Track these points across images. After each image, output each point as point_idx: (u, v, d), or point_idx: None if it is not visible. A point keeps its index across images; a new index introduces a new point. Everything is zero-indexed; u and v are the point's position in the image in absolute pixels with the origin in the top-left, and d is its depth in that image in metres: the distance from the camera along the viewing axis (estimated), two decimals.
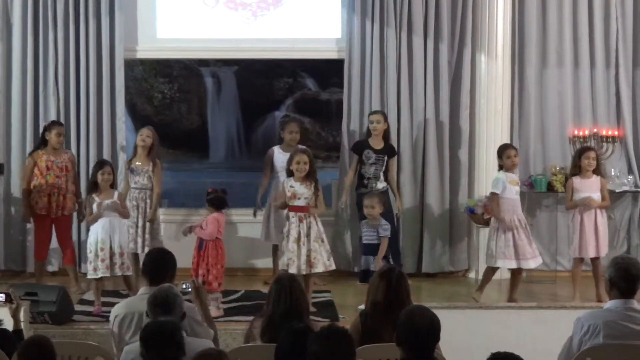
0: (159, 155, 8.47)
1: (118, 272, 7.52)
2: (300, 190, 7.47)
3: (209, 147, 15.94)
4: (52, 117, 8.92)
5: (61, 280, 8.31)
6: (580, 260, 8.01)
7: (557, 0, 9.22)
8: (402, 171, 9.11)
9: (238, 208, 9.34)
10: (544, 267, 9.09)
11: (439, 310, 4.32)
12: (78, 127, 9.07)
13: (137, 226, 8.09)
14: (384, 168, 8.69)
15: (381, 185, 8.66)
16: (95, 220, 7.56)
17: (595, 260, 7.96)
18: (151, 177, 8.27)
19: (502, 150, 7.94)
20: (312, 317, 5.48)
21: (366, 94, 9.17)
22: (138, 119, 14.06)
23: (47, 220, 8.24)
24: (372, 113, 8.81)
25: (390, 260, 8.18)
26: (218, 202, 7.52)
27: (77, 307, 7.50)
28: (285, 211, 7.57)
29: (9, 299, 5.43)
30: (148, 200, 8.24)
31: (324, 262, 7.50)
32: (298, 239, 7.42)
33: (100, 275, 7.47)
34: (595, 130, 9.21)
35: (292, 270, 7.24)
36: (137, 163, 8.30)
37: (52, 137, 8.21)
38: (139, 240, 8.10)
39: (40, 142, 8.32)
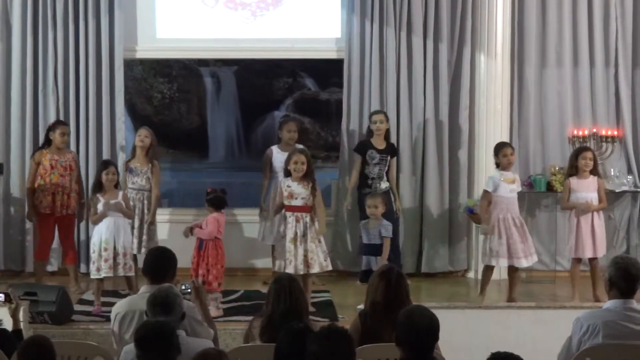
0: (157, 155, 8.48)
1: (121, 273, 7.52)
2: (297, 190, 7.47)
3: (208, 147, 15.91)
4: (52, 116, 8.93)
5: (61, 280, 8.30)
6: (578, 260, 8.01)
7: (557, 0, 9.22)
8: (402, 171, 9.10)
9: (238, 208, 9.35)
10: (544, 267, 9.11)
11: (439, 310, 4.32)
12: (77, 127, 9.06)
13: (133, 227, 8.07)
14: (386, 168, 8.69)
15: (384, 185, 8.66)
16: (99, 220, 7.56)
17: (592, 261, 7.96)
18: (150, 178, 8.28)
19: (499, 149, 7.95)
20: (311, 317, 5.48)
21: (366, 93, 9.17)
22: (137, 119, 14.04)
23: (50, 219, 8.24)
24: (374, 113, 8.79)
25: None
26: (217, 202, 7.52)
27: (77, 307, 7.50)
28: (282, 211, 7.57)
29: (8, 299, 5.43)
30: (145, 202, 8.24)
31: (320, 262, 7.50)
32: (295, 239, 7.42)
33: (103, 275, 7.47)
34: (594, 130, 9.22)
35: (289, 270, 7.24)
36: (136, 164, 8.30)
37: (56, 136, 8.21)
38: (135, 241, 8.08)
39: (45, 142, 8.33)
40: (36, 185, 8.19)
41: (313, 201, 7.49)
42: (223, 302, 7.60)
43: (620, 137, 9.28)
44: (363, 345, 4.63)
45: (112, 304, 5.59)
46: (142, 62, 13.75)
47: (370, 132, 8.75)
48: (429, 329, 4.08)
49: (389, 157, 8.70)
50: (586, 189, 7.92)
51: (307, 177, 7.50)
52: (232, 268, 8.38)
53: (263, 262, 9.14)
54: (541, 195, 9.20)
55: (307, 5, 9.42)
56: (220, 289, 7.47)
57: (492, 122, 9.10)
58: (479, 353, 4.13)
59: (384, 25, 9.08)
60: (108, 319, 5.35)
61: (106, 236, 7.47)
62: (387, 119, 8.76)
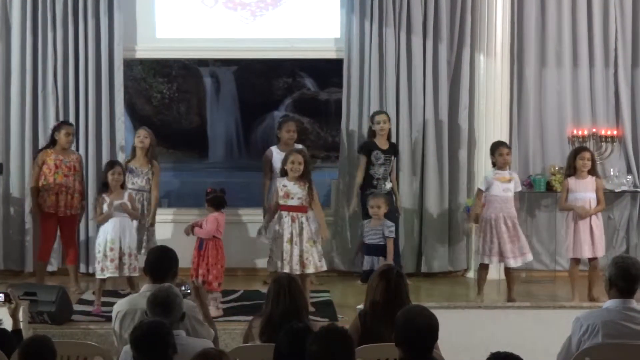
0: (156, 155, 8.48)
1: (126, 273, 7.52)
2: (293, 190, 7.46)
3: (208, 147, 15.94)
4: (51, 117, 8.93)
5: (60, 280, 8.31)
6: (576, 260, 7.99)
7: (556, 0, 9.22)
8: (402, 171, 9.10)
9: (238, 208, 9.35)
10: (543, 267, 9.12)
11: (438, 310, 4.32)
12: (77, 127, 9.04)
13: None
14: (390, 168, 8.69)
15: (389, 185, 8.64)
16: (105, 220, 7.55)
17: (592, 261, 7.95)
18: (149, 179, 8.28)
19: (495, 148, 7.97)
20: (311, 317, 5.48)
21: (365, 93, 9.16)
22: (137, 119, 14.06)
23: (53, 218, 8.24)
24: (377, 113, 8.76)
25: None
26: (217, 202, 7.52)
27: (76, 307, 7.50)
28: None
29: (8, 299, 5.43)
30: (145, 202, 8.24)
31: (315, 263, 7.49)
32: (291, 239, 7.42)
33: (107, 275, 7.47)
34: (594, 130, 9.22)
35: (285, 270, 7.23)
36: (136, 164, 8.30)
37: (61, 137, 8.21)
38: None
39: (50, 142, 8.33)
40: (40, 184, 8.20)
41: (310, 203, 7.48)
42: (223, 302, 7.60)
43: (619, 137, 9.28)
44: (363, 345, 4.63)
45: (112, 304, 5.57)
46: (142, 62, 13.78)
47: (372, 133, 8.73)
48: (429, 328, 4.08)
49: (392, 157, 8.70)
50: (584, 189, 7.91)
51: (304, 177, 7.50)
52: (232, 268, 8.38)
53: (263, 262, 9.06)
54: (541, 195, 9.20)
55: (307, 5, 9.42)
56: (220, 289, 7.47)
57: (492, 122, 9.10)
58: (479, 353, 4.13)
59: (383, 25, 9.08)
60: (108, 319, 5.35)
61: (112, 236, 7.47)
62: (389, 119, 8.76)
